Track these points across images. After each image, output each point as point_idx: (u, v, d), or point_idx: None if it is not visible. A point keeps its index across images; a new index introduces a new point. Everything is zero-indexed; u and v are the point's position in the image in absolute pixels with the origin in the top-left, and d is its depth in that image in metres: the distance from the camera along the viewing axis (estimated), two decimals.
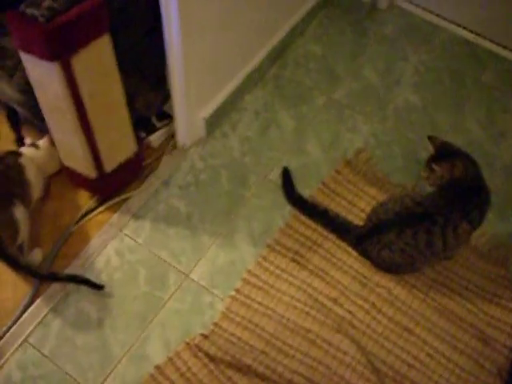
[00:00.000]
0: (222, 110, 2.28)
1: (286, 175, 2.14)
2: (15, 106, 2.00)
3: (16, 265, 1.85)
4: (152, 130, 2.24)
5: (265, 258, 2.01)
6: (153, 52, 2.02)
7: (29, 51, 1.65)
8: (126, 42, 1.81)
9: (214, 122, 2.28)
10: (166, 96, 2.23)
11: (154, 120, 2.24)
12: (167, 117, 2.27)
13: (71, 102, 1.74)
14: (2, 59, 1.88)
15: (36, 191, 2.04)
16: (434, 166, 1.86)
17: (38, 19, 1.56)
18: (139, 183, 2.19)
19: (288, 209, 2.13)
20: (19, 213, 1.89)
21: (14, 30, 1.64)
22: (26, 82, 1.87)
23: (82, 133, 1.83)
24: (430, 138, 1.94)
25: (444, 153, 1.90)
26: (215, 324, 1.90)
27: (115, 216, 2.12)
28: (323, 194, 2.17)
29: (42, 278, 1.95)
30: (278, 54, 2.51)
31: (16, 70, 1.88)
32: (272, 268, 2.00)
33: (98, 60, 1.72)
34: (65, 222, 2.12)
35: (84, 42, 1.65)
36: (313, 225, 2.08)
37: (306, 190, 2.16)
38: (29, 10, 1.57)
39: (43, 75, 1.69)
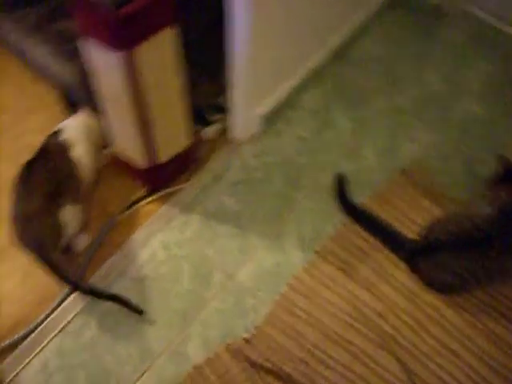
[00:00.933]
0: (278, 107, 2.22)
1: (341, 181, 2.08)
2: (73, 92, 1.96)
3: (57, 272, 1.79)
4: (205, 122, 2.18)
5: (312, 265, 1.96)
6: (214, 44, 1.96)
7: (93, 38, 1.60)
8: (190, 34, 1.75)
9: (270, 119, 2.22)
10: (221, 89, 2.17)
11: (207, 113, 2.18)
12: (221, 110, 2.21)
13: (131, 92, 1.70)
14: (59, 43, 1.85)
15: (86, 172, 1.98)
16: (501, 192, 1.77)
17: (106, 6, 1.51)
18: (189, 176, 2.15)
19: (339, 215, 2.06)
20: (66, 215, 1.84)
21: (79, 15, 1.60)
22: (83, 67, 1.83)
23: (139, 123, 1.79)
24: (500, 157, 1.85)
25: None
26: (257, 328, 1.86)
27: (164, 208, 2.08)
28: (375, 203, 2.10)
29: (82, 291, 1.89)
30: (338, 53, 2.44)
31: (74, 55, 1.83)
32: (319, 275, 1.94)
33: (161, 51, 1.68)
34: (112, 210, 2.09)
35: (150, 32, 1.61)
36: (364, 234, 2.01)
37: (357, 197, 2.09)
38: None
39: (105, 63, 1.65)
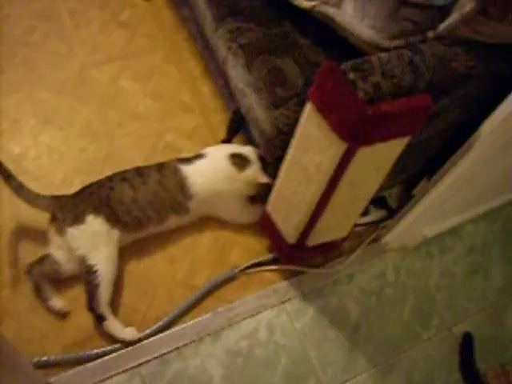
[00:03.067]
0: (442, 233, 2.00)
1: (468, 342, 1.86)
2: (254, 129, 1.75)
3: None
4: (364, 213, 1.96)
5: None
6: (422, 152, 1.75)
7: (323, 114, 1.38)
8: (412, 141, 1.53)
9: (429, 239, 2.00)
10: (392, 185, 1.96)
11: (370, 205, 1.96)
12: (384, 206, 1.99)
13: (328, 178, 1.48)
14: (273, 83, 1.64)
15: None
16: None
17: (357, 92, 1.29)
18: (323, 262, 1.93)
19: (456, 375, 1.84)
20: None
21: (321, 83, 1.38)
22: (286, 122, 1.63)
23: (313, 206, 1.59)
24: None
25: None
26: None
27: (283, 284, 1.89)
28: (498, 379, 1.87)
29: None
30: None
31: (283, 104, 1.62)
32: None
33: (382, 156, 1.46)
34: (230, 259, 1.91)
35: (388, 137, 1.39)
36: None
37: (481, 364, 1.87)
38: (352, 76, 1.32)
39: (321, 141, 1.44)
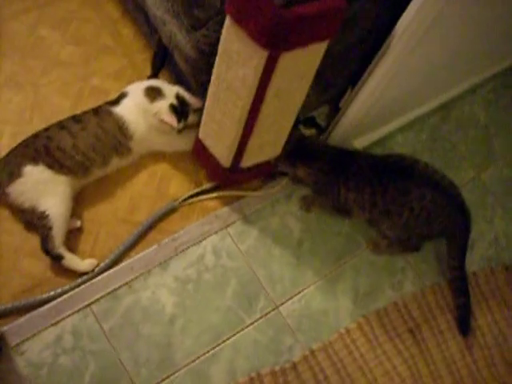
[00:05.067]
0: (372, 144, 2.05)
1: None
2: (178, 58, 1.76)
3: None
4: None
5: (385, 311, 1.88)
6: (344, 64, 1.79)
7: (241, 25, 1.40)
8: (333, 50, 1.57)
9: None
10: (321, 104, 2.00)
11: (302, 125, 2.00)
12: (314, 126, 2.04)
13: (254, 91, 1.51)
14: (191, 6, 1.64)
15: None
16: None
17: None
18: (261, 185, 1.97)
19: (400, 275, 1.92)
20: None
21: None
22: (207, 42, 1.63)
23: (244, 123, 1.62)
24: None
25: None
26: (311, 351, 1.77)
27: (224, 209, 1.92)
28: None
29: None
30: (443, 105, 2.26)
31: (203, 26, 1.63)
32: (389, 324, 1.87)
33: (305, 62, 1.50)
34: (169, 192, 1.92)
35: (306, 41, 1.43)
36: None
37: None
38: None
39: (242, 54, 1.46)
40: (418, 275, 1.96)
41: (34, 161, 1.69)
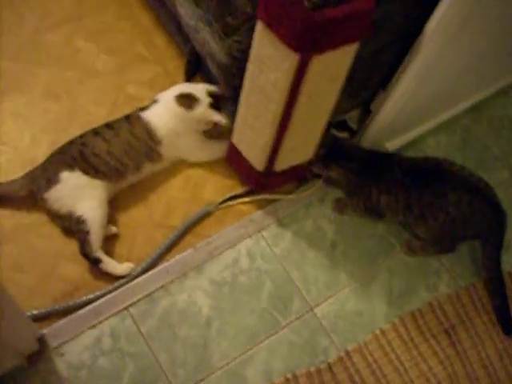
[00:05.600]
0: (404, 146, 2.06)
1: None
2: (211, 64, 1.80)
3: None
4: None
5: (420, 312, 1.88)
6: (374, 66, 1.80)
7: (272, 29, 1.43)
8: (363, 52, 1.58)
9: None
10: (353, 107, 2.02)
11: (335, 129, 2.02)
12: (346, 129, 2.05)
13: (286, 95, 1.54)
14: (223, 14, 1.67)
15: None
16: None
17: (303, 2, 1.34)
18: (295, 189, 1.99)
19: (435, 277, 1.92)
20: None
21: (267, 0, 1.42)
22: (240, 48, 1.67)
23: (276, 127, 1.64)
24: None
25: None
26: (346, 353, 1.78)
27: (259, 213, 1.94)
28: None
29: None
30: (475, 106, 2.26)
31: (235, 32, 1.66)
32: (423, 325, 1.86)
33: (335, 65, 1.52)
34: (204, 196, 1.95)
35: (336, 43, 1.45)
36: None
37: None
38: None
39: (274, 58, 1.48)
40: (452, 277, 1.94)
41: (71, 167, 1.73)
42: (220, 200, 1.93)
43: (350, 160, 1.79)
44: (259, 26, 1.47)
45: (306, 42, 1.39)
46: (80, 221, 1.72)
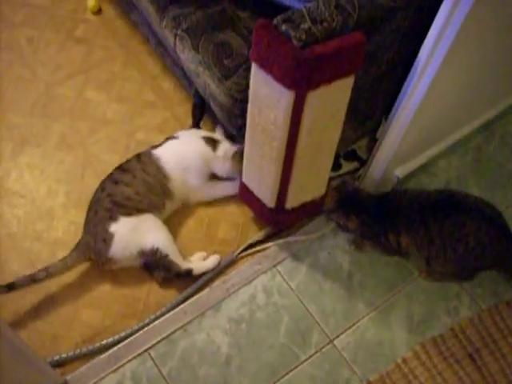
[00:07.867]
0: (415, 171, 2.06)
1: None
2: (214, 106, 1.84)
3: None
4: (337, 168, 2.03)
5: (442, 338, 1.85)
6: (376, 95, 1.82)
7: (265, 69, 1.46)
8: (361, 83, 1.60)
9: (403, 180, 2.06)
10: (360, 136, 2.03)
11: (343, 159, 2.03)
12: (355, 159, 2.06)
13: (287, 132, 1.55)
14: (221, 57, 1.72)
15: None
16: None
17: (291, 40, 1.37)
18: (307, 221, 1.99)
19: (456, 301, 1.90)
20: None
21: (258, 41, 1.45)
22: (239, 89, 1.70)
23: (281, 164, 1.66)
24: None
25: None
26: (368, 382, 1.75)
27: (272, 248, 1.96)
28: None
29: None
30: (485, 125, 2.25)
31: (233, 74, 1.70)
32: (446, 351, 1.83)
33: (335, 98, 1.54)
34: (218, 236, 1.97)
35: (330, 78, 1.46)
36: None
37: None
38: (284, 27, 1.39)
39: (271, 97, 1.51)
40: (473, 299, 1.92)
41: (113, 218, 1.79)
42: (242, 247, 1.96)
43: (364, 211, 1.79)
44: (253, 67, 1.50)
45: (299, 79, 1.41)
46: (154, 251, 1.80)
